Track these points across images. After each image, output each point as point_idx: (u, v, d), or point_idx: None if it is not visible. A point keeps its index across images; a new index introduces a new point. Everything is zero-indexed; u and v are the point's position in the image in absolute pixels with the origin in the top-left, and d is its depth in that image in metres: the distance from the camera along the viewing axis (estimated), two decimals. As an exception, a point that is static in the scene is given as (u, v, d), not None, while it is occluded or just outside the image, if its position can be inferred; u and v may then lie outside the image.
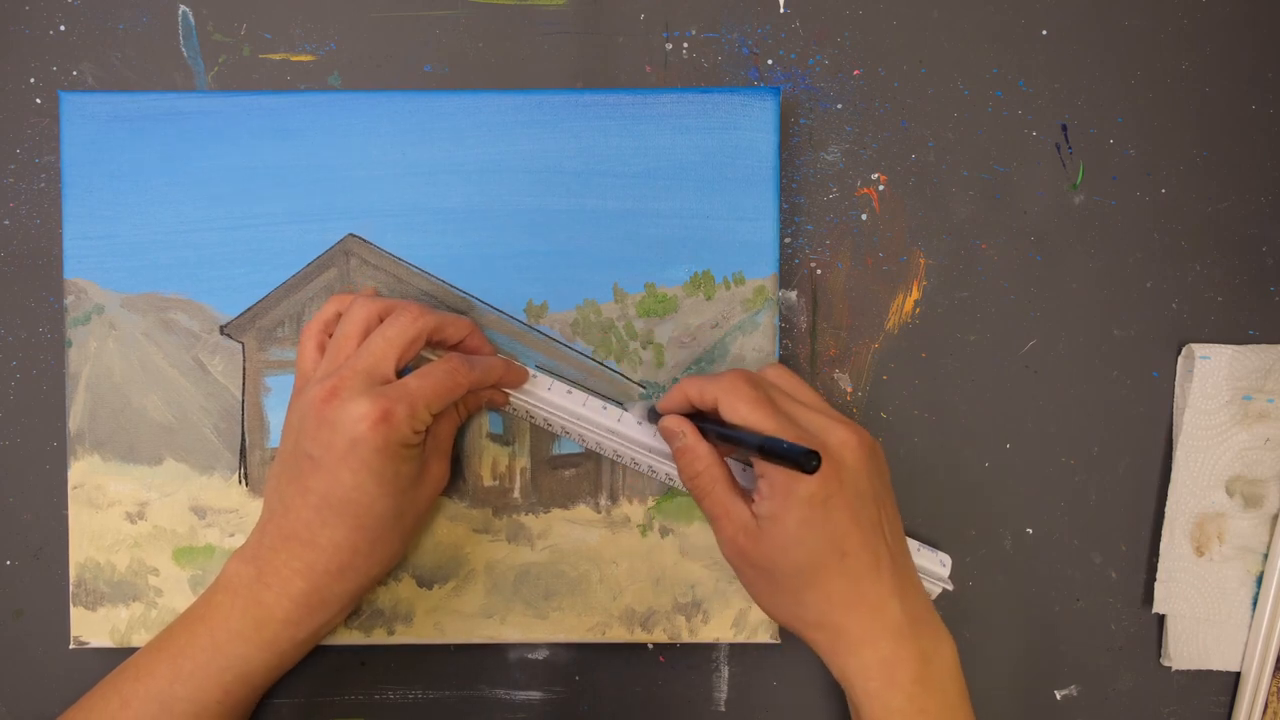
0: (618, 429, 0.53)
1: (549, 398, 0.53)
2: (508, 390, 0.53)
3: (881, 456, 0.50)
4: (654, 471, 0.54)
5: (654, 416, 0.53)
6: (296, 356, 0.52)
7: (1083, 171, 0.58)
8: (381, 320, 0.50)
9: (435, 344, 0.52)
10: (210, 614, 0.49)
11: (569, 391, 0.54)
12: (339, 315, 0.51)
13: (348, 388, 0.47)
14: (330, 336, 0.51)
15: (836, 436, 0.48)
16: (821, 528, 0.46)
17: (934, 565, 0.55)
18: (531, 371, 0.54)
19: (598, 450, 0.55)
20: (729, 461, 0.51)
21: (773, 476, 0.47)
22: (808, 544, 0.47)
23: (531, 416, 0.54)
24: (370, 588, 0.52)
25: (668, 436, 0.51)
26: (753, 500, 0.49)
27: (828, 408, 0.51)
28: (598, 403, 0.54)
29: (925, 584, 0.54)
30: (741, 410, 0.48)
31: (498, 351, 0.54)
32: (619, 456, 0.54)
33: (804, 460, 0.42)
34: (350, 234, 0.55)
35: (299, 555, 0.48)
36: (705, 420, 0.50)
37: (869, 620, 0.47)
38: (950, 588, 0.55)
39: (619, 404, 0.54)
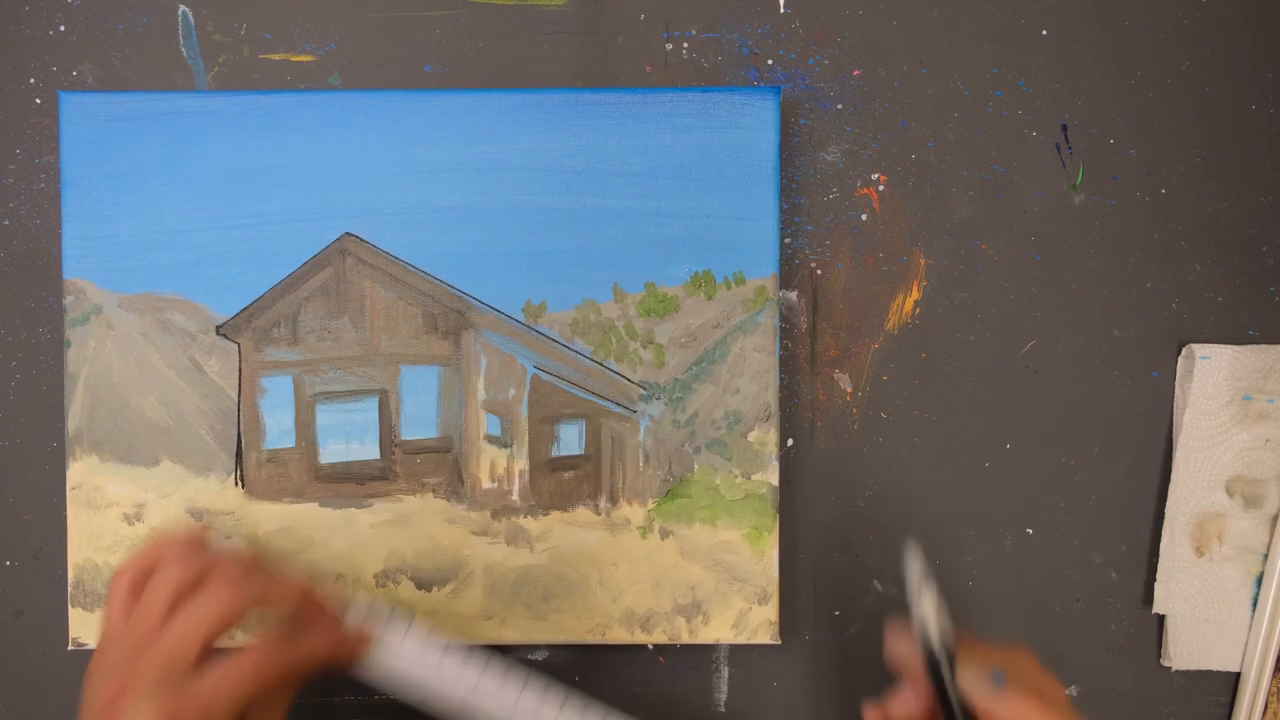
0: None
1: (403, 663, 0.48)
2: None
3: None
4: None
5: (930, 661, 0.46)
6: (104, 610, 0.47)
7: (1083, 171, 0.58)
8: (196, 585, 0.45)
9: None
10: None
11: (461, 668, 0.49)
12: (149, 565, 0.46)
13: (135, 689, 0.42)
14: (135, 591, 0.46)
15: None
16: None
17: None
18: (394, 638, 0.48)
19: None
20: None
21: None
22: None
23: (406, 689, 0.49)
24: None
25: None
26: None
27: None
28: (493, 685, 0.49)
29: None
30: None
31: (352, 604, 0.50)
32: None
33: None
34: (346, 233, 0.55)
35: None
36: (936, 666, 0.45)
37: None
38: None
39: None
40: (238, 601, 0.44)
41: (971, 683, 0.44)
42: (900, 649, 0.47)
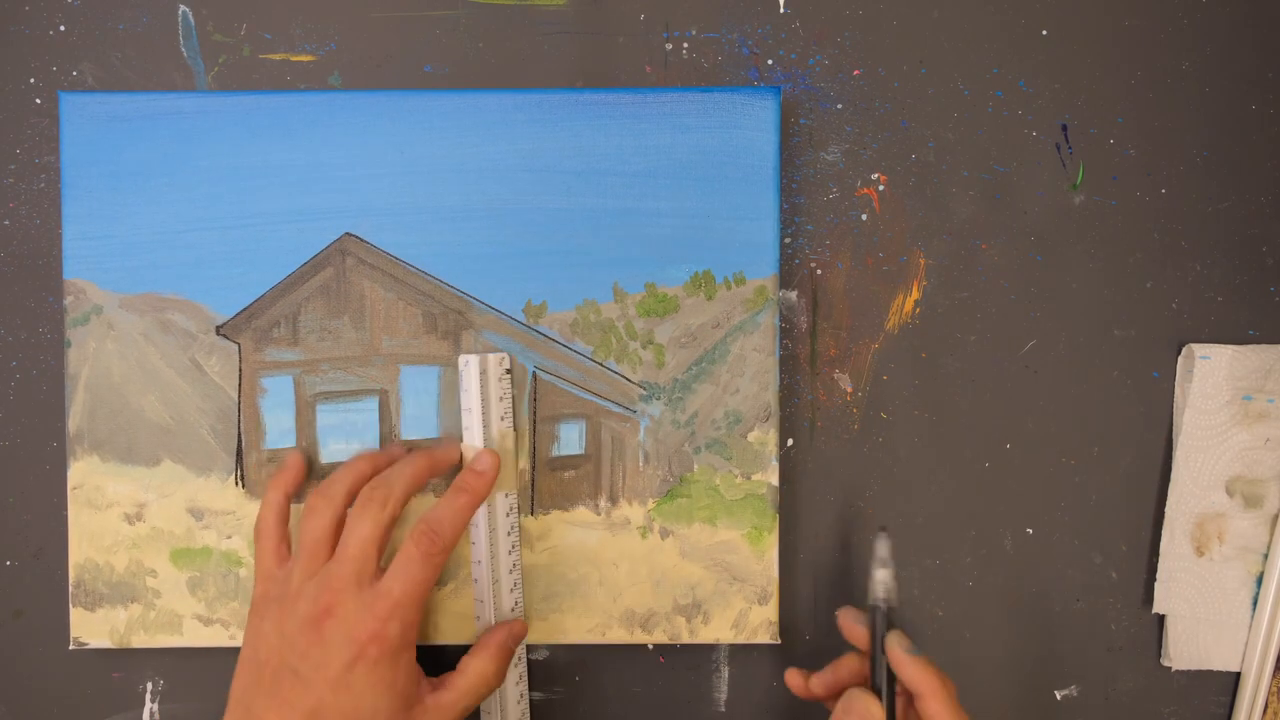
0: None
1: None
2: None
3: None
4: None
5: (874, 616, 0.51)
6: (256, 555, 0.52)
7: (1083, 171, 0.58)
8: (350, 498, 0.50)
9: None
10: None
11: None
12: (285, 501, 0.52)
13: (341, 605, 0.47)
14: (283, 527, 0.52)
15: None
16: None
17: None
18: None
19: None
20: None
21: None
22: None
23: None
24: None
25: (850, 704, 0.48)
26: None
27: None
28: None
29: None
30: None
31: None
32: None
33: None
34: (347, 233, 0.55)
35: None
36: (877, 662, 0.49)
37: None
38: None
39: None
40: (390, 510, 0.49)
41: (897, 643, 0.49)
42: (847, 619, 0.51)
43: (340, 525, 0.50)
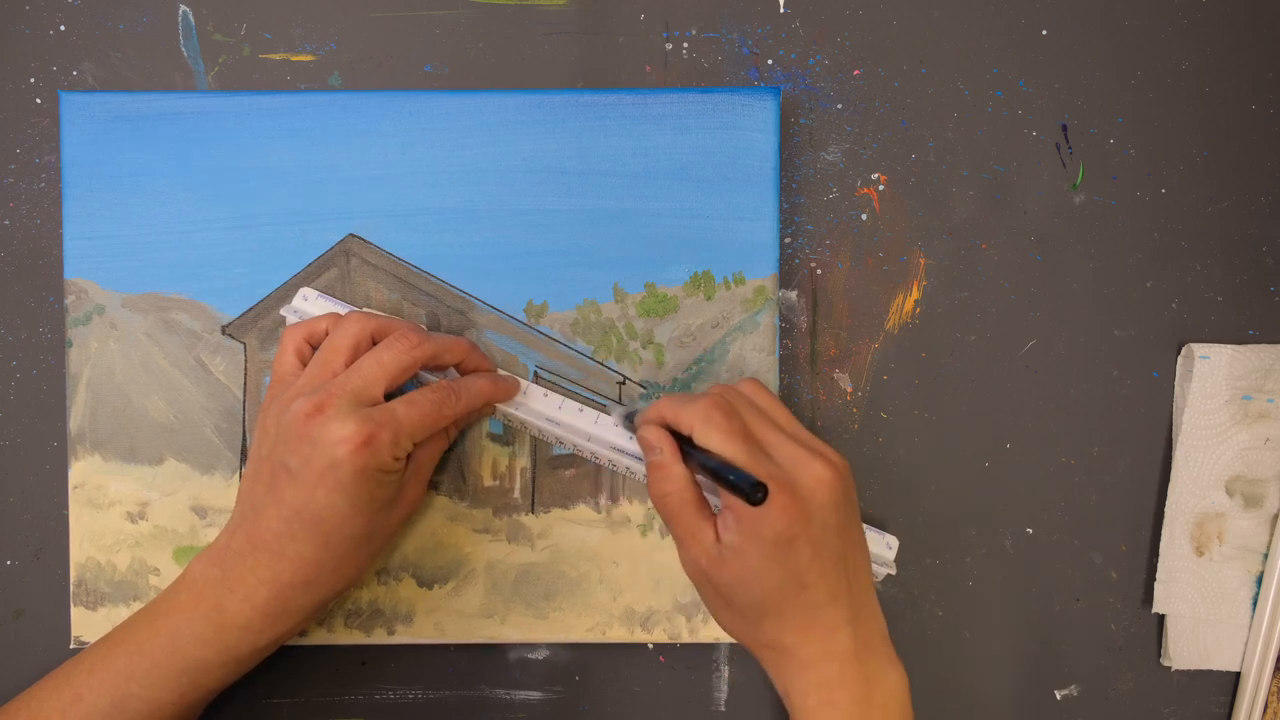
0: (594, 432, 0.53)
1: (528, 404, 0.53)
2: (498, 405, 0.53)
3: (852, 481, 0.49)
4: (631, 473, 0.54)
5: (630, 423, 0.53)
6: (275, 356, 0.52)
7: (1083, 171, 0.58)
8: (374, 341, 0.50)
9: (431, 367, 0.52)
10: (171, 613, 0.48)
11: (545, 395, 0.54)
12: (328, 332, 0.51)
13: (333, 406, 0.46)
14: (312, 348, 0.51)
15: (811, 473, 0.46)
16: (784, 565, 0.46)
17: (879, 548, 0.54)
18: (523, 383, 0.53)
19: (591, 459, 0.54)
20: (703, 479, 0.50)
21: (739, 510, 0.46)
22: (768, 580, 0.46)
23: (525, 426, 0.54)
24: (334, 599, 0.51)
25: (644, 448, 0.50)
26: (718, 521, 0.48)
27: (801, 431, 0.50)
28: (574, 406, 0.53)
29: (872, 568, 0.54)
30: (715, 440, 0.46)
31: (495, 362, 0.54)
32: (597, 458, 0.54)
33: (750, 492, 0.43)
34: (351, 234, 0.55)
35: (266, 564, 0.47)
36: (678, 435, 0.50)
37: (819, 644, 0.47)
38: (893, 571, 0.55)
39: (602, 407, 0.54)
40: (417, 355, 0.49)
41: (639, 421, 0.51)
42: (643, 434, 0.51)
43: (357, 351, 0.50)
